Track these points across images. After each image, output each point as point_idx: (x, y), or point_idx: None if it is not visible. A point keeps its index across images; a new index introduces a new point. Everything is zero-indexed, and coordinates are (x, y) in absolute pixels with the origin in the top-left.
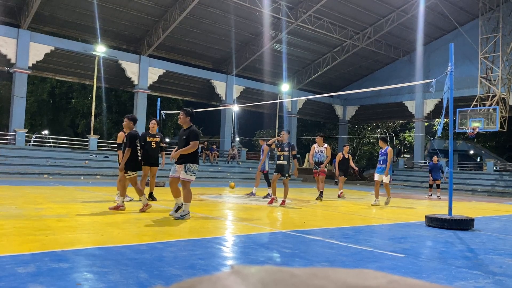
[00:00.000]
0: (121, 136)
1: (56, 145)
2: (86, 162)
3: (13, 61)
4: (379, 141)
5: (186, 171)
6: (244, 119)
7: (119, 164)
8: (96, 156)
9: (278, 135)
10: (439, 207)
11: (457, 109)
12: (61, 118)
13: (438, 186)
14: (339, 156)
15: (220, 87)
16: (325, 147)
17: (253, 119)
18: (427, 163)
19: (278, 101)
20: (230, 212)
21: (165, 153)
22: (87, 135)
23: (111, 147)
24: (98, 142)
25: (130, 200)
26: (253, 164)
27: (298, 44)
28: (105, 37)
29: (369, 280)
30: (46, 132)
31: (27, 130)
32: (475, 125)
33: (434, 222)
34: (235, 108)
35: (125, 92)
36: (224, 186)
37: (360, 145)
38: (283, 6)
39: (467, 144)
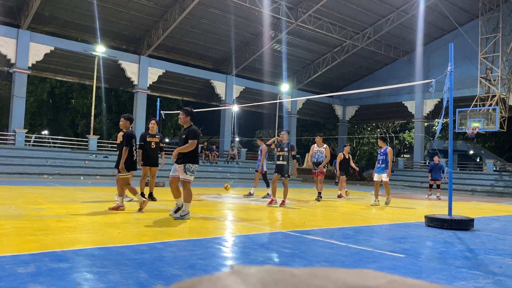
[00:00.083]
0: (121, 136)
1: (56, 145)
2: (86, 162)
3: (13, 61)
4: (379, 140)
5: (185, 171)
6: (244, 119)
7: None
8: (95, 156)
9: (278, 135)
10: (438, 207)
11: (457, 109)
12: (61, 118)
13: (438, 186)
14: (340, 156)
15: (220, 87)
16: (324, 148)
17: (253, 119)
18: (427, 163)
19: (278, 101)
20: (230, 213)
21: (165, 153)
22: (86, 135)
23: (111, 147)
24: (98, 142)
25: (130, 200)
26: (253, 164)
27: (298, 44)
28: (105, 37)
29: (369, 280)
30: (45, 132)
31: (27, 130)
32: (474, 125)
33: (434, 222)
34: (235, 108)
35: (125, 92)
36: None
37: (360, 145)
38: (283, 6)
39: (467, 144)
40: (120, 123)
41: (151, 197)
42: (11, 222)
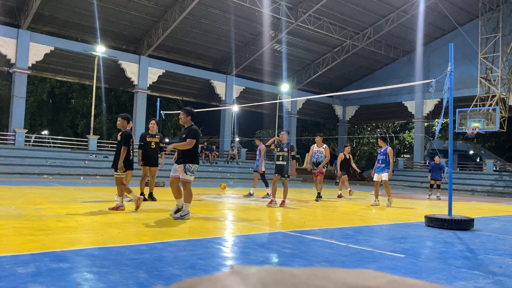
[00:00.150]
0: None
1: (56, 145)
2: (86, 162)
3: (13, 61)
4: (379, 140)
5: (185, 172)
6: (244, 119)
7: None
8: (95, 156)
9: (278, 135)
10: (438, 207)
11: (457, 109)
12: (61, 118)
13: (438, 187)
14: (341, 156)
15: (219, 87)
16: (323, 148)
17: (253, 119)
18: (427, 163)
19: (277, 101)
20: (229, 213)
21: (165, 154)
22: (86, 135)
23: (111, 147)
24: (98, 142)
25: (130, 200)
26: (252, 164)
27: (298, 44)
28: (105, 37)
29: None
30: (45, 132)
31: (27, 130)
32: (474, 125)
33: (434, 222)
34: (235, 108)
35: (125, 92)
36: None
37: (359, 145)
38: (283, 6)
39: (467, 144)
40: (118, 122)
41: (151, 197)
42: (11, 222)
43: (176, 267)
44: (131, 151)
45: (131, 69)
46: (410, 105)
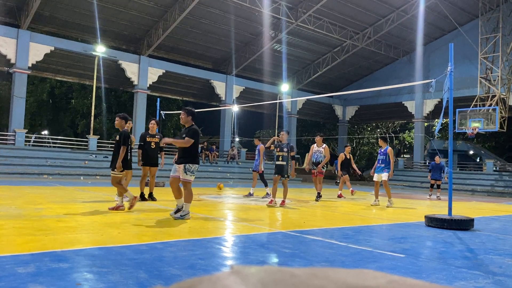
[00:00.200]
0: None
1: (56, 145)
2: (86, 162)
3: (13, 61)
4: (379, 140)
5: (185, 172)
6: (244, 119)
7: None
8: (95, 156)
9: (278, 136)
10: (439, 207)
11: (457, 109)
12: (61, 118)
13: (438, 187)
14: (342, 156)
15: (219, 87)
16: (323, 147)
17: (253, 119)
18: (427, 163)
19: (277, 101)
20: (229, 213)
21: (165, 154)
22: (86, 135)
23: (111, 147)
24: (98, 142)
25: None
26: (252, 164)
27: (298, 44)
28: (105, 37)
29: (369, 280)
30: (45, 132)
31: (27, 130)
32: (474, 125)
33: (434, 222)
34: (235, 108)
35: (125, 92)
36: (224, 186)
37: (359, 145)
38: (283, 6)
39: (467, 144)
40: (116, 122)
41: (151, 197)
42: (11, 222)
43: (176, 267)
44: (129, 151)
45: (131, 69)
46: (410, 105)
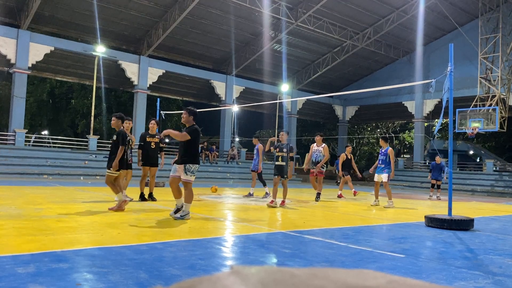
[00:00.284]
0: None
1: (56, 145)
2: (86, 162)
3: (12, 61)
4: (380, 140)
5: (186, 172)
6: (244, 119)
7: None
8: (95, 157)
9: (277, 136)
10: (438, 208)
11: (457, 110)
12: (61, 118)
13: (438, 187)
14: (343, 156)
15: (219, 87)
16: (322, 147)
17: (253, 119)
18: (427, 163)
19: (277, 101)
20: (229, 213)
21: (164, 154)
22: (86, 135)
23: (111, 147)
24: (98, 142)
25: (130, 201)
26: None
27: (298, 44)
28: (105, 37)
29: (369, 280)
30: (45, 132)
31: (27, 130)
32: (474, 126)
33: (433, 222)
34: (235, 108)
35: (125, 92)
36: (224, 186)
37: (359, 145)
38: (283, 7)
39: (467, 145)
40: (112, 122)
41: (151, 197)
42: (11, 222)
43: (176, 267)
44: (128, 151)
45: (131, 69)
46: (410, 105)
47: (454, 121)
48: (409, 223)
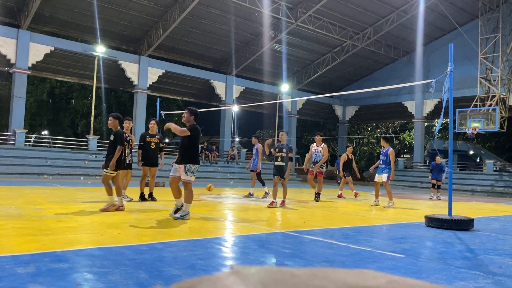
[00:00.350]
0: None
1: (56, 145)
2: (86, 162)
3: (12, 61)
4: (381, 140)
5: (186, 172)
6: (244, 119)
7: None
8: (95, 157)
9: (277, 137)
10: (439, 208)
11: (457, 110)
12: (61, 118)
13: (438, 187)
14: (344, 157)
15: (219, 87)
16: (321, 147)
17: (253, 119)
18: (427, 163)
19: (277, 101)
20: (229, 213)
21: (164, 154)
22: (86, 136)
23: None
24: (98, 143)
25: (129, 201)
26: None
27: (298, 44)
28: (105, 37)
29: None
30: (45, 132)
31: (27, 130)
32: (474, 126)
33: (434, 222)
34: (235, 108)
35: (125, 92)
36: (224, 186)
37: (359, 145)
38: (283, 6)
39: (467, 145)
40: (109, 122)
41: (151, 197)
42: (11, 222)
43: (176, 267)
44: (126, 151)
45: (131, 69)
46: (410, 105)
47: (454, 121)
48: (409, 223)
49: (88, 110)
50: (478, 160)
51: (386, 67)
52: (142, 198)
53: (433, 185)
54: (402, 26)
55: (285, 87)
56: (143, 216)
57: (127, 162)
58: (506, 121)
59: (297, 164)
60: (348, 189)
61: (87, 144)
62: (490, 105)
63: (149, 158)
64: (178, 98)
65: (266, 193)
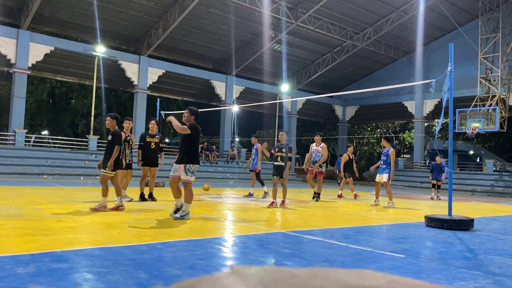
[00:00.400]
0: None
1: (56, 145)
2: (86, 162)
3: (12, 61)
4: (383, 140)
5: (186, 172)
6: (244, 119)
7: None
8: (95, 157)
9: (277, 137)
10: (439, 208)
11: (457, 110)
12: (61, 118)
13: (438, 187)
14: (345, 157)
15: (219, 87)
16: (321, 146)
17: (253, 119)
18: (427, 163)
19: (277, 101)
20: (229, 213)
21: (164, 154)
22: (86, 136)
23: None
24: (98, 143)
25: (130, 201)
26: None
27: (298, 44)
28: (105, 37)
29: (369, 280)
30: (45, 132)
31: (27, 130)
32: (474, 126)
33: (434, 222)
34: (235, 108)
35: (125, 92)
36: (224, 186)
37: (359, 145)
38: (283, 6)
39: (467, 145)
40: (107, 122)
41: (151, 197)
42: (11, 222)
43: (176, 267)
44: (126, 151)
45: (131, 69)
46: (410, 105)
47: (454, 121)
48: (409, 223)
49: (88, 110)
50: (478, 160)
51: (386, 67)
52: (142, 198)
53: (433, 185)
54: (402, 26)
55: (285, 87)
56: (143, 216)
57: (127, 162)
58: (506, 121)
59: (297, 164)
60: (349, 189)
61: (87, 144)
62: (490, 105)
63: (149, 158)
64: (178, 98)
65: (265, 192)
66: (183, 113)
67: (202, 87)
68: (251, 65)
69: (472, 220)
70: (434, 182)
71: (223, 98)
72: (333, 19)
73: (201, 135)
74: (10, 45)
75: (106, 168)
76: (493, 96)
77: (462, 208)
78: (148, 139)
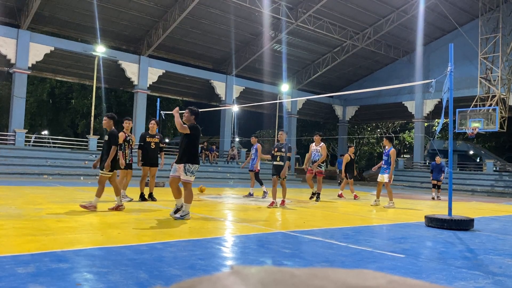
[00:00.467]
0: (121, 137)
1: (56, 145)
2: (86, 162)
3: (12, 61)
4: (384, 139)
5: (186, 172)
6: (244, 119)
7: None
8: (95, 157)
9: (277, 136)
10: (439, 208)
11: (457, 110)
12: (61, 118)
13: (438, 187)
14: (347, 158)
15: (219, 87)
16: (320, 146)
17: (253, 119)
18: (427, 163)
19: (277, 101)
20: (229, 213)
21: (164, 154)
22: (86, 136)
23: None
24: (98, 143)
25: (129, 200)
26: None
27: (298, 44)
28: (105, 37)
29: (369, 280)
30: (45, 132)
31: (27, 130)
32: (474, 126)
33: (434, 222)
34: (235, 108)
35: (125, 92)
36: (224, 186)
37: (360, 145)
38: (283, 6)
39: (467, 145)
40: (104, 122)
41: (151, 197)
42: (11, 222)
43: (176, 267)
44: (126, 151)
45: (131, 69)
46: (410, 105)
47: (454, 121)
48: (409, 223)
49: (88, 110)
50: (478, 160)
51: (386, 67)
52: (142, 198)
53: (434, 185)
54: (402, 26)
55: (285, 87)
56: (143, 216)
57: (127, 162)
58: (506, 121)
59: (297, 164)
60: (349, 189)
61: (87, 144)
62: (490, 105)
63: (149, 158)
64: (178, 98)
65: (264, 192)
66: (183, 113)
67: (202, 87)
68: (251, 65)
69: (472, 220)
70: (435, 182)
71: (223, 98)
72: (333, 19)
73: (201, 135)
74: (10, 45)
75: (104, 169)
76: (493, 96)
77: (462, 208)
78: (148, 139)
